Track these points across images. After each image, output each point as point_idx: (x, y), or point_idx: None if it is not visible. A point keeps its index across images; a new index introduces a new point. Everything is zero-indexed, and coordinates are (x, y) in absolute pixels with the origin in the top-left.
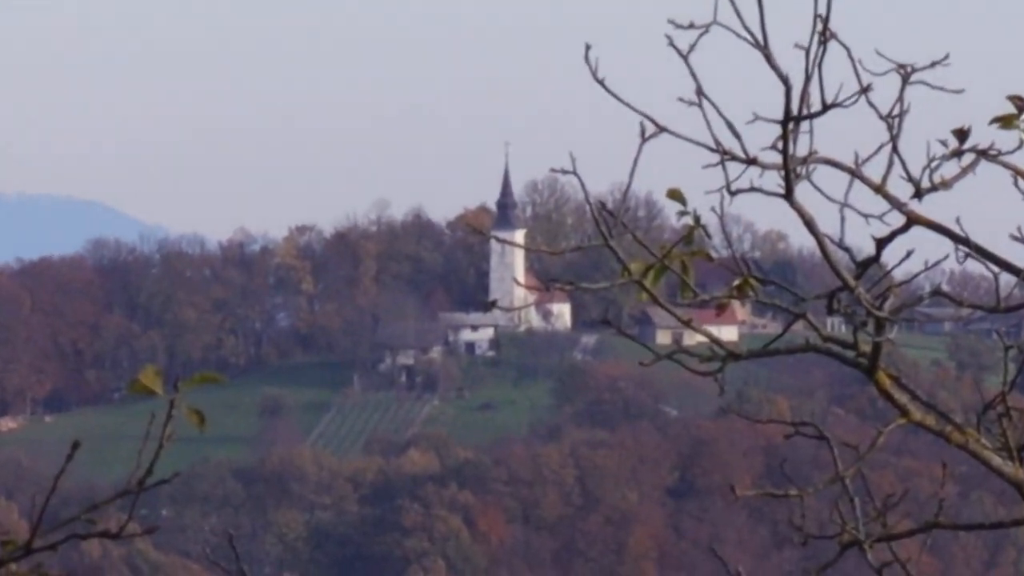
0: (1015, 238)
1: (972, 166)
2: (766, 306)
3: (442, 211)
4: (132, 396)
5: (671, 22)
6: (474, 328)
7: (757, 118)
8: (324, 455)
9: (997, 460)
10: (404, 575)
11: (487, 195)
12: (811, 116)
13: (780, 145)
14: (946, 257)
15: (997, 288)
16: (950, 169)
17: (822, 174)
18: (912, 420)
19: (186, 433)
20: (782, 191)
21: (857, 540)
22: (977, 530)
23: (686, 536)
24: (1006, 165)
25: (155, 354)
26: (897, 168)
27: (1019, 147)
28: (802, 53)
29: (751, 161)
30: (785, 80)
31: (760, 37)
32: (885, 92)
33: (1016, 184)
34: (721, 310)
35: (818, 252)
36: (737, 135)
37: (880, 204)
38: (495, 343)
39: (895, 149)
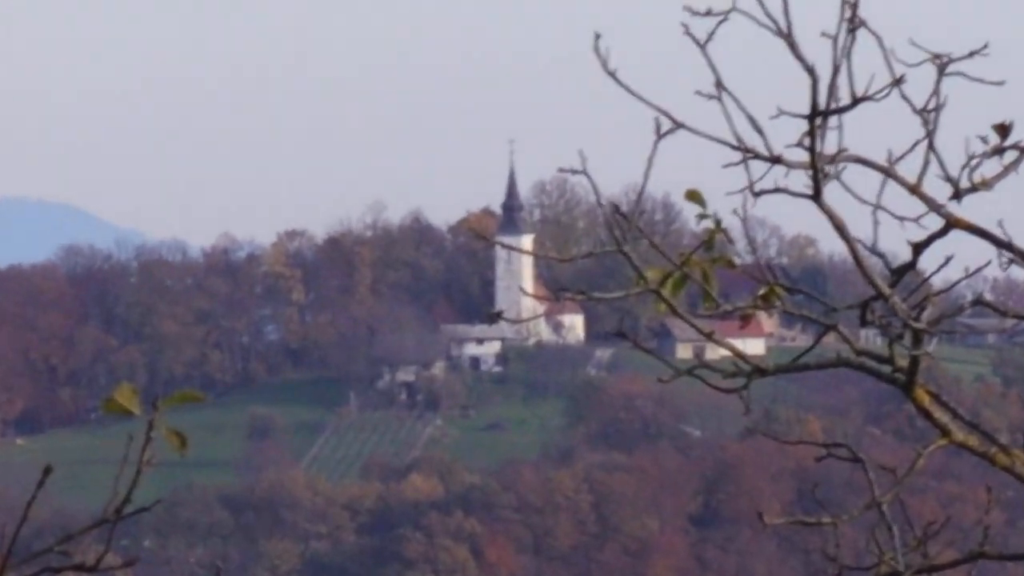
0: None
1: (1015, 164)
2: (794, 317)
3: (443, 214)
4: (108, 416)
5: (687, 9)
6: (479, 342)
7: (782, 113)
8: (318, 480)
9: None
10: None
11: (491, 197)
12: (840, 110)
13: (807, 142)
14: (988, 263)
15: None
16: (991, 168)
17: (853, 173)
18: (954, 441)
19: (168, 457)
20: (810, 192)
21: (896, 572)
22: None
23: (710, 567)
24: None
25: (133, 370)
26: (934, 167)
27: None
28: (830, 42)
29: (776, 159)
30: (811, 71)
31: (784, 24)
32: (920, 84)
33: None
34: (746, 322)
35: (850, 258)
36: (760, 131)
37: (916, 206)
38: (502, 358)
39: (931, 146)
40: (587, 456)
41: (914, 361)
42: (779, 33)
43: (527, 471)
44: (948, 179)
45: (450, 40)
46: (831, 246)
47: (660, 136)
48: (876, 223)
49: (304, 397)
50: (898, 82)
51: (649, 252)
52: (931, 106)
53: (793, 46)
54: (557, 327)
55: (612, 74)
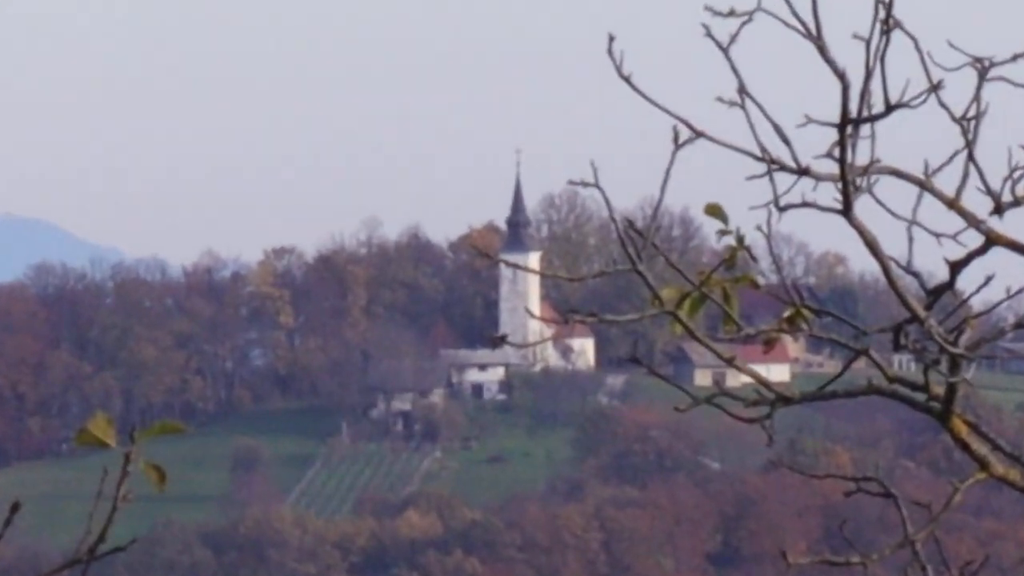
0: None
1: None
2: (822, 341)
3: (443, 231)
4: (81, 448)
5: (708, 9)
6: (481, 367)
7: (810, 121)
8: (307, 516)
9: None
10: None
11: (496, 212)
12: (873, 118)
13: (837, 152)
14: None
15: None
16: None
17: (886, 187)
18: (993, 474)
19: (145, 492)
20: (839, 206)
21: None
22: None
23: None
24: None
25: (108, 398)
26: (974, 179)
27: None
28: (862, 45)
29: (803, 171)
30: (842, 76)
31: (813, 26)
32: (959, 90)
33: None
34: (770, 346)
35: (882, 278)
36: (787, 141)
37: (954, 221)
38: (506, 385)
39: (971, 157)
40: (597, 491)
41: (951, 388)
42: (808, 35)
43: (532, 507)
44: (989, 192)
45: (452, 41)
46: (862, 264)
47: (678, 146)
48: (911, 240)
49: (292, 427)
50: (935, 88)
51: (666, 271)
52: (971, 114)
53: (823, 49)
54: (566, 352)
55: (627, 79)
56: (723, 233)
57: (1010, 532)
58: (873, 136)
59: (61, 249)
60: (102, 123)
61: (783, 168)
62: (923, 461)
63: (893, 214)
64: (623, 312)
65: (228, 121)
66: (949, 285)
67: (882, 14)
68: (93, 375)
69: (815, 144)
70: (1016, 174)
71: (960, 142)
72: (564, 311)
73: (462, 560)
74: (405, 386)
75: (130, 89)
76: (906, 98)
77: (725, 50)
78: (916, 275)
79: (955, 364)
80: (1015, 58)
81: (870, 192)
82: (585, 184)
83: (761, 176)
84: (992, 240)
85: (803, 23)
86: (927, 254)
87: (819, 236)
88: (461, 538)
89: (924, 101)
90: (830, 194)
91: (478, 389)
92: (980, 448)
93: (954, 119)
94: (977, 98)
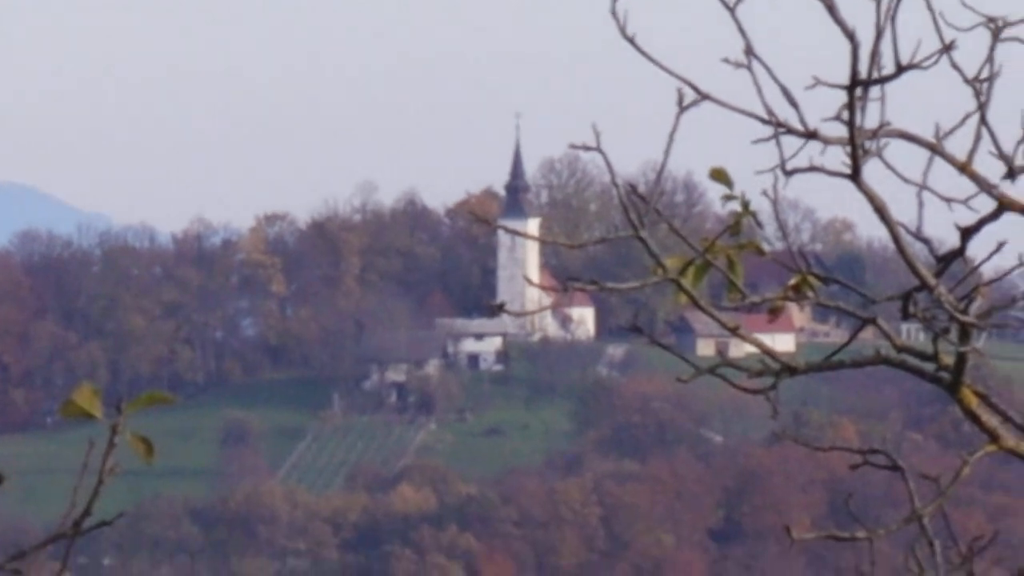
0: None
1: None
2: (828, 310)
3: (440, 196)
4: (67, 420)
5: None
6: (478, 337)
7: (818, 83)
8: (298, 491)
9: None
10: None
11: (494, 177)
12: (883, 80)
13: (845, 115)
14: None
15: None
16: None
17: (896, 150)
18: (1003, 447)
19: (132, 465)
20: (848, 170)
21: None
22: None
23: None
24: None
25: (95, 369)
26: (986, 143)
27: None
28: (872, 4)
29: (811, 135)
30: (851, 36)
31: None
32: (972, 51)
33: None
34: (775, 315)
35: (891, 244)
36: (794, 103)
37: (966, 186)
38: (503, 355)
39: (983, 120)
40: (596, 465)
41: (961, 358)
42: None
43: (529, 481)
44: (1002, 156)
45: (450, 1)
46: (870, 231)
47: (683, 109)
48: (921, 205)
49: (283, 399)
50: (948, 48)
51: (668, 237)
52: (984, 75)
53: (832, 8)
54: (565, 321)
55: (631, 39)
56: (728, 198)
57: (1020, 507)
58: (883, 98)
59: (48, 216)
60: (89, 87)
61: (790, 131)
62: (931, 434)
63: (903, 178)
64: (624, 280)
65: (217, 84)
66: (960, 252)
67: None
68: (78, 345)
69: (823, 107)
70: None
71: (972, 104)
72: (564, 279)
73: (457, 536)
74: (399, 357)
75: (118, 53)
76: (917, 59)
77: (731, 9)
78: (926, 241)
79: (965, 333)
80: None
81: (879, 156)
82: (586, 148)
83: (767, 140)
84: (1004, 205)
85: None
86: (937, 220)
87: (827, 202)
88: (456, 513)
89: (936, 62)
90: (838, 158)
91: (474, 360)
92: (990, 420)
93: (966, 80)
94: (990, 59)
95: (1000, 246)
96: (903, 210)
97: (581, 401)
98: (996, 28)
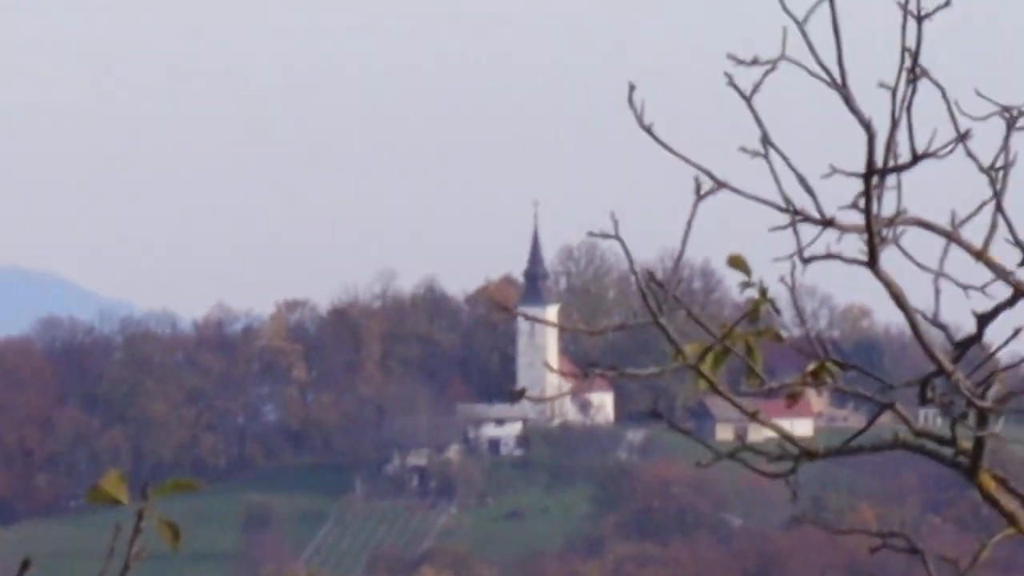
0: None
1: None
2: (846, 395)
3: (459, 283)
4: (92, 505)
5: (731, 58)
6: (499, 422)
7: (835, 171)
8: (321, 575)
9: None
10: None
11: (513, 264)
12: (899, 168)
13: (862, 203)
14: None
15: None
16: None
17: (912, 238)
18: (1023, 531)
19: (157, 550)
20: (865, 258)
21: None
22: None
23: None
24: None
25: (118, 455)
26: (1002, 230)
27: None
28: (888, 94)
29: (828, 222)
30: (868, 126)
31: (837, 74)
32: (987, 140)
33: None
34: (793, 400)
35: (908, 331)
36: (811, 192)
37: (982, 273)
38: (523, 440)
39: (999, 207)
40: (617, 547)
41: (979, 443)
42: (832, 84)
43: (551, 564)
44: (1017, 244)
45: (468, 88)
46: (887, 317)
47: (700, 197)
48: (938, 292)
49: (305, 484)
50: (963, 137)
51: (687, 324)
52: (999, 163)
53: (848, 98)
54: (584, 406)
55: (648, 129)
56: (746, 285)
57: None
58: (899, 186)
59: (69, 302)
60: (110, 174)
61: (807, 219)
62: (949, 517)
63: (920, 266)
64: (644, 366)
65: (240, 171)
66: (977, 338)
67: (908, 63)
68: (101, 431)
69: (840, 195)
70: None
71: (988, 192)
72: (583, 365)
73: None
74: (420, 442)
75: (142, 142)
76: (933, 148)
77: (748, 99)
78: (943, 328)
79: (983, 418)
80: None
81: (896, 243)
82: (605, 236)
83: (785, 227)
84: (1021, 292)
85: (828, 71)
86: (954, 306)
87: (844, 288)
88: None
89: (951, 151)
90: (855, 246)
91: (495, 444)
92: (1009, 504)
93: (982, 169)
94: (1005, 148)
95: (1017, 332)
96: (920, 297)
97: (601, 485)
98: (1011, 117)
